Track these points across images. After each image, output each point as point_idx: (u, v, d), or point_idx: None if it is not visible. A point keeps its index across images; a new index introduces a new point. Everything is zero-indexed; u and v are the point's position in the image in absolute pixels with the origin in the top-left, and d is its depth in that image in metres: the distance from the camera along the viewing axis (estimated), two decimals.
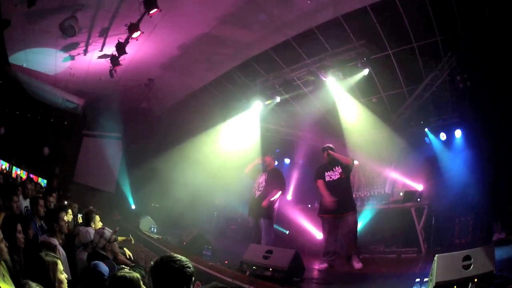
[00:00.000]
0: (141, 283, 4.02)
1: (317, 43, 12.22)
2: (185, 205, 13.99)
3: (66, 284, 4.34)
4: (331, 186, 9.29)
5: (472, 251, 5.28)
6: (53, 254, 4.44)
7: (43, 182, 16.75)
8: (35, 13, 11.02)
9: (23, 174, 15.86)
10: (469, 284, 4.95)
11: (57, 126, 17.65)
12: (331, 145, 9.77)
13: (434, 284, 5.12)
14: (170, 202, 14.65)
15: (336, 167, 9.43)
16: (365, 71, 11.83)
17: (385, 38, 11.89)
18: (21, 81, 14.72)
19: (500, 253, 5.47)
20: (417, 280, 5.61)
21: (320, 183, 9.45)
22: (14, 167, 15.78)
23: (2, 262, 4.04)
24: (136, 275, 4.02)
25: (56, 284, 4.15)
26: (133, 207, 17.08)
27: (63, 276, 4.29)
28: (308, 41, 12.25)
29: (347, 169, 9.42)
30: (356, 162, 10.23)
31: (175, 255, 3.54)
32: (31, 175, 16.04)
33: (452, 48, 11.71)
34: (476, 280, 4.97)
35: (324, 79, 12.33)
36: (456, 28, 11.01)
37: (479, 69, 11.22)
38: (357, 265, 8.72)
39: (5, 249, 4.11)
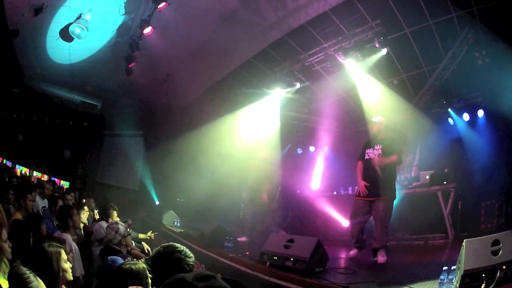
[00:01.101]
0: (147, 273, 4.02)
1: (332, 26, 11.94)
2: (209, 198, 13.73)
3: (70, 272, 4.33)
4: (368, 165, 8.65)
5: (501, 235, 4.97)
6: (56, 244, 4.37)
7: (66, 183, 16.78)
8: (42, 20, 11.04)
9: (44, 178, 15.83)
10: (497, 272, 4.64)
11: (76, 128, 17.63)
12: (377, 119, 8.96)
13: (462, 273, 4.80)
14: (194, 196, 14.42)
15: (378, 146, 8.68)
16: (384, 51, 11.41)
17: (400, 17, 11.51)
18: (37, 88, 14.66)
19: None
20: (445, 268, 5.24)
21: (358, 164, 8.88)
22: (34, 172, 15.84)
23: (5, 260, 4.12)
24: (142, 265, 4.06)
25: (61, 273, 4.13)
26: (157, 203, 16.93)
27: (67, 265, 4.27)
28: (324, 25, 11.96)
29: (390, 150, 8.58)
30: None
31: (178, 245, 3.63)
32: (53, 178, 16.00)
33: (468, 24, 11.22)
34: (504, 267, 4.67)
35: (343, 61, 11.96)
36: (469, 2, 10.51)
37: (497, 44, 10.71)
38: (381, 258, 8.02)
39: (8, 249, 4.13)
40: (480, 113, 13.01)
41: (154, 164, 17.19)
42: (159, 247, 3.68)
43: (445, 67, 12.25)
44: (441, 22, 11.35)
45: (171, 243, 3.71)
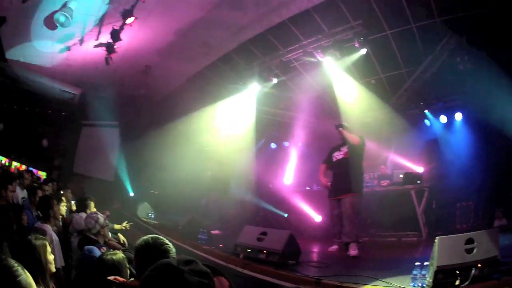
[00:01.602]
0: (127, 263, 4.21)
1: (313, 23, 11.90)
2: (184, 191, 13.64)
3: (54, 264, 4.30)
4: (335, 167, 9.06)
5: (475, 234, 5.06)
6: (41, 237, 4.37)
7: (43, 174, 16.56)
8: (29, 7, 10.82)
9: (23, 168, 15.61)
10: (472, 270, 4.71)
11: (55, 117, 17.39)
12: (343, 123, 9.39)
13: (435, 269, 4.85)
14: (169, 189, 14.47)
15: (343, 147, 9.07)
16: (363, 51, 11.55)
17: (382, 18, 11.54)
18: (19, 76, 14.45)
19: (502, 239, 5.23)
20: (417, 264, 5.25)
21: (321, 167, 9.28)
22: (14, 162, 15.61)
23: None
24: (121, 256, 4.24)
25: (47, 265, 4.14)
26: (131, 194, 16.77)
27: (51, 257, 4.26)
28: (304, 22, 11.92)
29: (353, 149, 8.96)
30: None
31: (163, 238, 3.63)
32: (31, 168, 15.78)
33: (452, 30, 11.36)
34: (479, 265, 4.76)
35: (321, 59, 12.07)
36: (456, 9, 10.67)
37: (479, 51, 10.86)
38: (353, 252, 8.19)
39: None
40: (458, 116, 13.20)
41: (129, 155, 17.01)
42: (147, 237, 3.66)
43: (424, 69, 12.44)
44: (424, 26, 11.43)
45: (156, 235, 3.70)
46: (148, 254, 3.49)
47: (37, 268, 3.95)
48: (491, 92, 10.57)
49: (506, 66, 10.32)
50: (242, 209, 14.11)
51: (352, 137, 9.03)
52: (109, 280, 3.60)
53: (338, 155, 9.07)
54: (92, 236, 6.37)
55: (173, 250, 3.60)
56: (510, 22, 9.78)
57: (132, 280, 3.89)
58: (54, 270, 4.33)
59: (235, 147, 12.61)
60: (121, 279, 3.68)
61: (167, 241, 3.60)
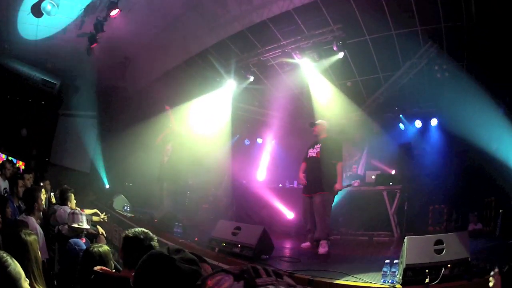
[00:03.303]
0: (111, 256, 4.41)
1: (293, 24, 12.05)
2: (161, 182, 13.61)
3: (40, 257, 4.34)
4: (309, 164, 9.03)
5: (444, 235, 5.20)
6: (31, 232, 4.39)
7: (21, 164, 16.38)
8: None
9: (3, 158, 15.44)
10: (442, 269, 4.82)
11: (34, 106, 17.17)
12: (318, 121, 9.32)
13: (404, 266, 4.97)
14: (143, 181, 14.23)
15: (317, 145, 9.05)
16: (340, 55, 11.63)
17: (363, 24, 11.70)
18: (1, 63, 14.28)
19: (476, 244, 5.34)
20: (387, 261, 5.37)
21: (302, 164, 9.24)
22: None
23: None
24: (107, 248, 4.42)
25: (36, 260, 4.15)
26: (107, 186, 16.69)
27: (39, 252, 4.29)
28: (285, 23, 12.07)
29: (326, 148, 8.93)
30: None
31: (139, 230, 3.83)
32: (11, 158, 15.58)
33: (432, 39, 11.57)
34: (449, 266, 4.86)
35: (298, 60, 12.15)
36: (437, 19, 10.89)
37: (457, 62, 11.06)
38: (322, 250, 8.16)
39: None
40: (434, 122, 13.41)
41: (106, 147, 16.95)
42: (137, 230, 3.83)
43: (401, 75, 12.57)
44: (404, 33, 11.59)
45: (144, 229, 3.88)
46: (136, 246, 3.68)
47: (32, 262, 4.00)
48: (466, 101, 10.72)
49: (480, 78, 10.53)
50: (215, 203, 14.15)
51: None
52: (95, 271, 3.66)
53: (311, 152, 9.08)
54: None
55: (155, 238, 3.82)
56: (488, 37, 10.03)
57: (115, 271, 3.99)
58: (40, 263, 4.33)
59: (209, 142, 12.62)
60: (106, 269, 3.75)
61: (154, 236, 3.84)
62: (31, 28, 12.58)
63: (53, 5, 10.77)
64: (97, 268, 3.68)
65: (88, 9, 11.79)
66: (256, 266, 1.68)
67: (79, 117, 17.53)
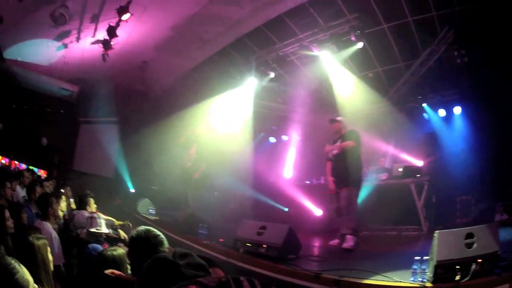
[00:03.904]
0: (126, 259, 4.16)
1: (309, 17, 11.88)
2: (183, 186, 13.56)
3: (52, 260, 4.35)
4: (333, 161, 8.92)
5: (474, 228, 4.95)
6: (41, 236, 4.40)
7: (43, 172, 16.50)
8: (26, 6, 10.73)
9: (24, 167, 15.58)
10: (472, 265, 4.61)
11: (53, 115, 17.29)
12: (338, 118, 9.26)
13: (435, 263, 4.77)
14: (168, 184, 14.23)
15: (338, 141, 8.92)
16: (359, 45, 11.45)
17: (379, 12, 11.49)
18: (16, 74, 14.39)
19: (502, 234, 5.10)
20: (417, 258, 5.14)
21: (327, 164, 9.12)
22: (14, 161, 15.57)
23: None
24: (122, 251, 4.27)
25: (48, 264, 4.20)
26: (132, 190, 16.72)
27: (51, 256, 4.30)
28: (301, 16, 11.89)
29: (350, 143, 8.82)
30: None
31: (155, 230, 3.70)
32: (32, 167, 15.71)
33: (448, 23, 11.30)
34: (480, 260, 4.66)
35: (317, 53, 12.02)
36: (452, 2, 10.62)
37: (476, 44, 10.81)
38: (346, 244, 8.07)
39: None
40: (457, 109, 13.08)
41: (129, 151, 16.99)
42: (140, 229, 3.72)
43: (422, 63, 12.32)
44: (420, 19, 11.37)
45: (148, 227, 3.76)
46: (141, 246, 3.56)
47: (40, 267, 4.00)
48: (488, 85, 10.48)
49: (503, 59, 10.20)
50: (241, 203, 14.09)
51: (348, 145, 8.80)
52: (106, 274, 3.60)
53: (333, 150, 8.93)
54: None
55: (165, 241, 3.65)
56: (506, 16, 9.73)
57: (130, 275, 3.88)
58: (52, 268, 4.32)
59: (233, 141, 12.55)
60: (118, 272, 3.69)
61: (159, 232, 3.67)
62: (43, 39, 12.62)
63: (63, 14, 10.75)
64: (108, 271, 3.64)
65: (100, 16, 11.74)
66: (240, 278, 1.58)
67: (100, 123, 17.57)
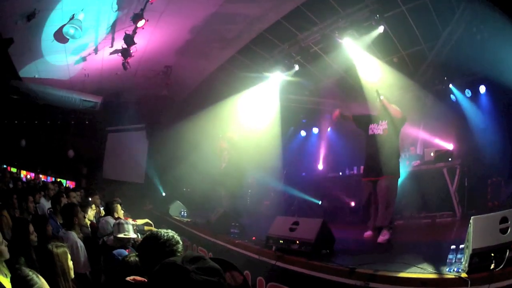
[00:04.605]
0: None
1: (327, 6, 11.63)
2: (216, 186, 13.58)
3: (73, 268, 4.54)
4: (372, 141, 8.41)
5: (509, 212, 4.68)
6: (61, 244, 4.58)
7: (72, 184, 16.74)
8: (36, 24, 10.99)
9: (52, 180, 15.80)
10: (506, 252, 4.40)
11: (78, 127, 17.52)
12: (385, 96, 8.68)
13: (470, 252, 4.57)
14: (200, 185, 14.33)
15: (383, 121, 8.41)
16: (380, 29, 11.24)
17: None
18: (36, 92, 14.59)
19: None
20: (453, 247, 5.01)
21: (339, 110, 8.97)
22: (40, 175, 15.82)
23: (3, 262, 4.12)
24: None
25: (68, 271, 4.37)
26: (163, 194, 16.82)
27: (71, 263, 4.50)
28: (319, 5, 11.65)
29: (394, 125, 8.36)
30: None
31: (165, 232, 3.57)
32: (59, 180, 15.93)
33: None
34: None
35: (340, 41, 11.83)
36: None
37: (494, 18, 10.38)
38: (382, 238, 7.82)
39: (5, 249, 4.15)
40: (482, 89, 12.80)
41: (158, 156, 17.14)
42: (146, 234, 3.71)
43: (444, 43, 12.06)
44: None
45: (158, 230, 3.65)
46: (149, 249, 3.51)
47: (59, 275, 4.18)
48: (510, 60, 10.18)
49: None
50: (277, 199, 14.02)
51: (396, 110, 8.43)
52: (127, 281, 3.50)
53: (375, 129, 8.44)
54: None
55: (179, 244, 3.53)
56: None
57: None
58: (73, 276, 4.50)
59: (262, 138, 12.53)
60: (140, 278, 3.57)
61: (173, 235, 3.54)
62: (59, 54, 12.78)
63: (76, 28, 10.76)
64: (129, 278, 3.53)
65: (115, 26, 11.85)
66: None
67: (126, 131, 17.73)
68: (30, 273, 3.32)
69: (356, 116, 9.05)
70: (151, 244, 3.50)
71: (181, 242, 3.56)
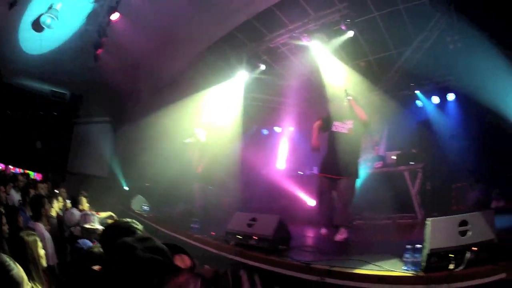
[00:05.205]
0: None
1: (299, 8, 11.56)
2: (177, 181, 13.38)
3: (45, 258, 4.52)
4: (335, 138, 8.20)
5: (469, 215, 4.75)
6: (32, 232, 4.61)
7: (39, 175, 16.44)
8: (16, 12, 10.89)
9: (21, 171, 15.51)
10: (466, 253, 4.45)
11: (47, 118, 17.21)
12: (353, 95, 8.50)
13: (428, 252, 4.57)
14: (161, 180, 14.18)
15: (348, 120, 8.23)
16: (350, 33, 11.31)
17: (369, 0, 11.18)
18: (9, 82, 14.42)
19: (499, 222, 4.96)
20: (408, 246, 4.93)
21: (316, 124, 8.53)
22: (9, 166, 15.52)
23: None
24: None
25: (38, 259, 4.33)
26: (126, 188, 16.58)
27: (42, 252, 4.46)
28: (290, 7, 11.57)
29: (359, 126, 8.22)
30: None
31: (123, 220, 3.60)
32: (28, 171, 15.61)
33: (441, 9, 11.03)
34: (475, 248, 4.51)
35: (308, 43, 11.88)
36: None
37: (470, 31, 10.47)
38: (340, 236, 7.72)
39: None
40: (451, 96, 13.06)
41: (122, 150, 16.96)
42: (107, 224, 3.92)
43: (414, 50, 12.18)
44: (412, 6, 11.05)
45: (124, 219, 3.63)
46: (110, 236, 3.41)
47: (31, 262, 4.15)
48: (483, 70, 10.24)
49: (499, 39, 9.94)
50: (236, 196, 13.91)
51: (362, 112, 8.23)
52: (93, 270, 3.44)
53: (340, 127, 8.26)
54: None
55: (139, 229, 3.48)
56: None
57: None
58: (45, 265, 4.51)
59: (225, 135, 12.44)
60: None
61: (131, 223, 3.51)
62: (34, 43, 12.53)
63: (52, 18, 10.69)
64: (95, 267, 3.46)
65: (90, 17, 11.70)
66: (239, 273, 1.57)
67: (93, 124, 17.52)
68: (7, 259, 3.29)
69: (325, 118, 8.74)
70: (111, 233, 3.44)
71: (140, 228, 3.51)
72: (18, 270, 3.29)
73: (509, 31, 9.77)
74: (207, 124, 13.37)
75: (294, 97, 15.07)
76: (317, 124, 8.55)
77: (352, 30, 11.18)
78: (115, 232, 3.37)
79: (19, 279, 3.24)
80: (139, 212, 12.77)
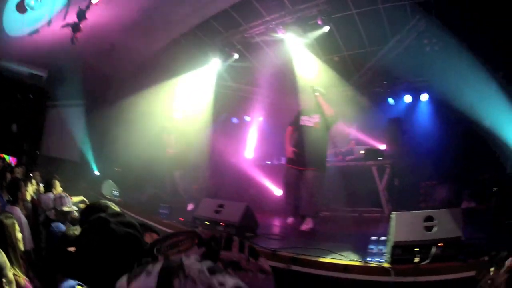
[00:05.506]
0: None
1: (277, 0, 11.50)
2: (147, 168, 13.45)
3: (22, 242, 4.53)
4: (301, 132, 8.40)
5: (435, 212, 4.87)
6: (10, 215, 4.60)
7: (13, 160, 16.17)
8: None
9: None
10: (432, 248, 4.50)
11: (22, 101, 16.87)
12: (321, 89, 8.75)
13: (392, 244, 4.66)
14: (132, 165, 14.23)
15: (315, 115, 8.40)
16: (325, 28, 11.19)
17: None
18: None
19: (470, 222, 5.20)
20: (373, 238, 5.02)
21: (288, 129, 8.74)
22: None
23: None
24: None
25: (16, 243, 4.33)
26: (97, 173, 16.36)
27: (20, 235, 4.47)
28: None
29: (325, 121, 8.37)
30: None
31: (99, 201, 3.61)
32: (1, 155, 15.31)
33: (421, 12, 11.07)
34: (441, 244, 4.57)
35: (283, 36, 11.81)
36: None
37: (448, 36, 10.55)
38: (305, 226, 7.74)
39: None
40: (424, 96, 13.17)
41: (94, 134, 16.73)
42: (85, 206, 3.93)
43: (390, 49, 12.18)
44: (391, 7, 11.05)
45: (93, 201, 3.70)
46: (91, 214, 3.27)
47: (9, 246, 4.12)
48: (458, 74, 10.33)
49: (473, 51, 10.01)
50: (205, 184, 14.00)
51: (329, 108, 8.43)
52: (70, 251, 3.39)
53: (306, 121, 8.43)
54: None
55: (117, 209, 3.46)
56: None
57: None
58: (22, 248, 4.51)
59: (194, 122, 12.37)
60: None
61: (106, 203, 3.47)
62: (16, 24, 12.46)
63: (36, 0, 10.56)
64: (71, 248, 3.39)
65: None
66: (233, 237, 1.52)
67: (67, 107, 17.24)
68: None
69: (293, 122, 8.92)
70: (91, 212, 3.27)
71: (118, 210, 3.44)
72: (2, 256, 3.35)
73: (485, 40, 10.00)
74: (180, 110, 13.34)
75: (266, 87, 15.02)
76: (288, 131, 8.77)
77: (328, 25, 11.10)
78: (94, 211, 3.23)
79: (2, 264, 3.29)
80: (109, 197, 12.56)
